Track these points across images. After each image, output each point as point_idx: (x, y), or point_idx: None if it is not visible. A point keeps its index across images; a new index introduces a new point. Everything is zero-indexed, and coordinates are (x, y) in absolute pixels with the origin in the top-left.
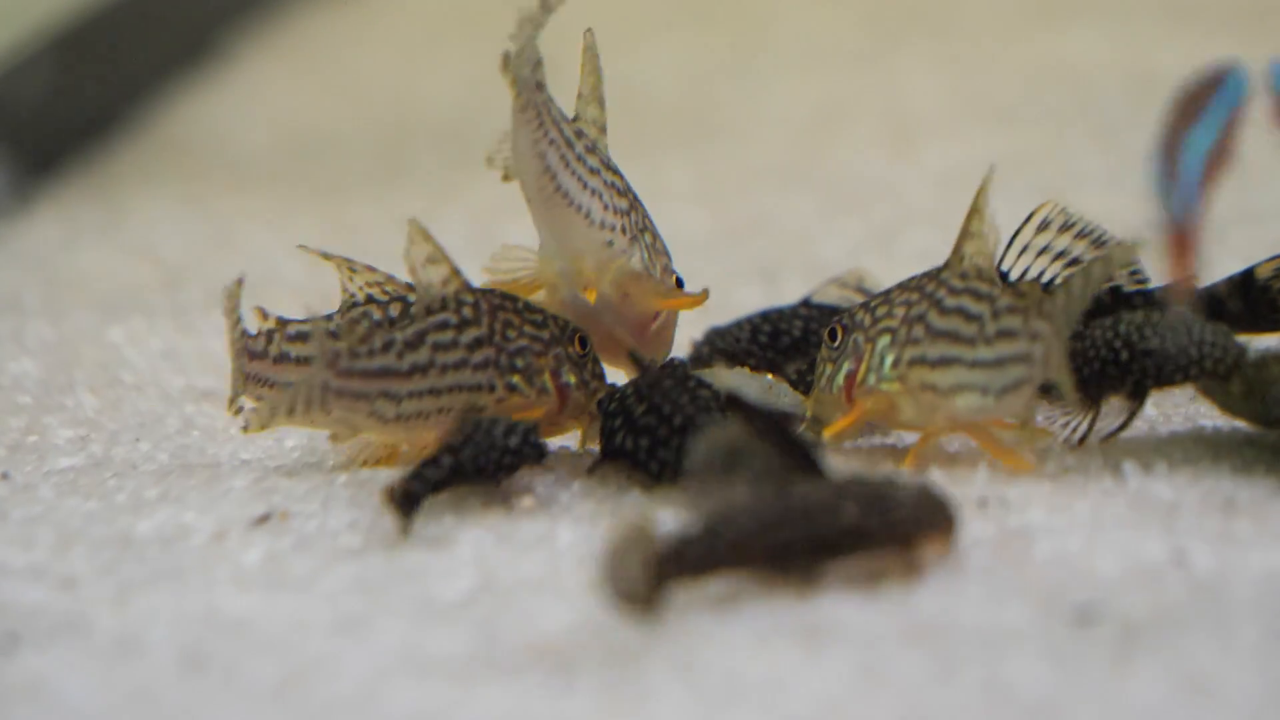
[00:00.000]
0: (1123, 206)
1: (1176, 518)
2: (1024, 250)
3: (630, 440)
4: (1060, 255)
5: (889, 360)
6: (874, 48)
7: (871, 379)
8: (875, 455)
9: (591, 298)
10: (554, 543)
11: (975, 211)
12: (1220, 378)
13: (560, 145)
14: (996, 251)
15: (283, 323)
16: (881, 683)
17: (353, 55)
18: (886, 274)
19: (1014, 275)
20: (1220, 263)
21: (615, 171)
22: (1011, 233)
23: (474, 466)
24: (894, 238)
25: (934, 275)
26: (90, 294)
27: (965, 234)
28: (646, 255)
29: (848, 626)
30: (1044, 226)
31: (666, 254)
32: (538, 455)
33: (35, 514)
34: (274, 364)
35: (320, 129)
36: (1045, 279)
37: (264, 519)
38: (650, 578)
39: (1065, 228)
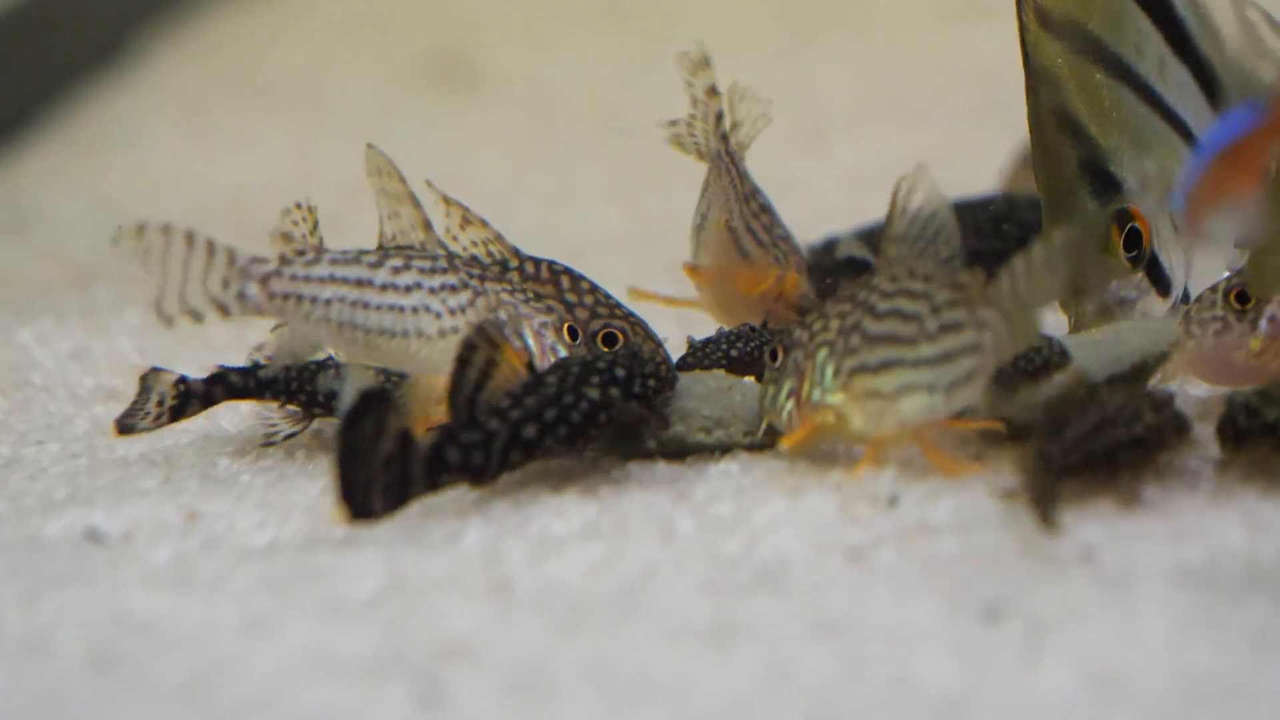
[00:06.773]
0: None
1: (1083, 513)
2: None
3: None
4: None
5: (829, 372)
6: (786, 44)
7: (817, 394)
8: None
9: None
10: (460, 542)
11: (896, 214)
12: None
13: None
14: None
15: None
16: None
17: (265, 56)
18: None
19: None
20: None
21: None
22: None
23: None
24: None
25: (864, 283)
26: None
27: (887, 238)
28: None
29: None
30: None
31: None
32: None
33: None
34: None
35: (230, 129)
36: None
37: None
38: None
39: None
